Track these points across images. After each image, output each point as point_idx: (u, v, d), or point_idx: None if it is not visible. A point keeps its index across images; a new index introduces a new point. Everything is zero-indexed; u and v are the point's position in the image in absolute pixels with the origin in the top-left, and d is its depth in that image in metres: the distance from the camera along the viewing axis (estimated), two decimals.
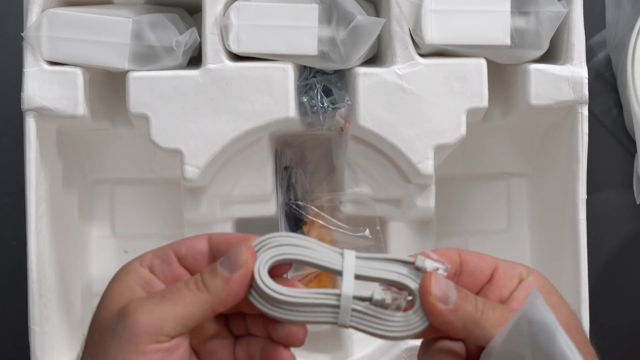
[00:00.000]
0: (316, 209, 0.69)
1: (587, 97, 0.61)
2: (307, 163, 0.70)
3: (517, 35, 0.60)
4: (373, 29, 0.59)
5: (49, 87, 0.60)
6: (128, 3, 0.63)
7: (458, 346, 0.40)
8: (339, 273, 0.40)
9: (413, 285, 0.40)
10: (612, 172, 0.76)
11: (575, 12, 0.61)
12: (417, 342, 0.64)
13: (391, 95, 0.60)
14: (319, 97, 0.62)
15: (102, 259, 0.71)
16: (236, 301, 0.39)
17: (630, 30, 0.71)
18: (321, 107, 0.62)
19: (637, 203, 0.71)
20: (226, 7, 0.61)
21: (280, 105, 0.60)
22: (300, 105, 0.62)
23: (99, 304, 0.40)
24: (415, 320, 0.40)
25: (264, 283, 0.39)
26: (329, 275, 0.71)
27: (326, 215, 0.69)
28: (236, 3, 0.60)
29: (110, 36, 0.59)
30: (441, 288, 0.39)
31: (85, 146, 0.70)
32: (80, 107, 0.61)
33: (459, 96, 0.61)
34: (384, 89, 0.60)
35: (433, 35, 0.60)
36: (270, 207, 0.67)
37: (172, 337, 0.37)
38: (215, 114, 0.60)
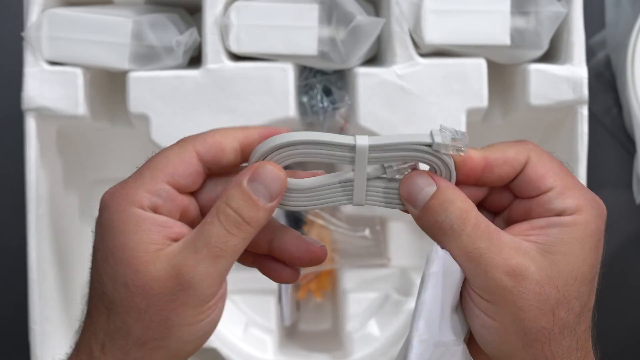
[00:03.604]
0: (316, 209, 0.69)
1: (586, 97, 0.61)
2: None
3: (517, 35, 0.60)
4: (373, 29, 0.59)
5: (49, 87, 0.60)
6: (128, 3, 0.63)
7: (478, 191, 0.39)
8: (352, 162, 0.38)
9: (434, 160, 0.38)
10: (611, 172, 0.76)
11: (575, 12, 0.61)
12: None
13: (391, 95, 0.60)
14: (319, 97, 0.62)
15: None
16: None
17: (630, 30, 0.71)
18: (321, 107, 0.62)
19: (637, 203, 0.71)
20: (226, 7, 0.61)
21: (280, 105, 0.60)
22: (300, 105, 0.62)
23: (120, 267, 0.36)
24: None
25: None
26: (328, 275, 0.71)
27: (326, 215, 0.69)
28: (236, 3, 0.60)
29: (110, 36, 0.59)
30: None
31: (85, 146, 0.70)
32: (80, 107, 0.61)
33: (459, 96, 0.61)
34: (384, 89, 0.60)
35: (433, 35, 0.60)
36: None
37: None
38: (215, 114, 0.60)
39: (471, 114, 0.61)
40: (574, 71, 0.61)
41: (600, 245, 0.38)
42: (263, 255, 0.41)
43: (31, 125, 0.60)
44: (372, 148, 0.38)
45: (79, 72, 0.60)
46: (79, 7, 0.61)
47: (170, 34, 0.60)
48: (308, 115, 0.63)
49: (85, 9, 0.61)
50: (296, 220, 0.69)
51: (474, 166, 0.38)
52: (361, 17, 0.59)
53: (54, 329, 0.63)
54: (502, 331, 0.36)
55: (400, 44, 0.61)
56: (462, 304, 0.38)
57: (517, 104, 0.63)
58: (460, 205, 0.37)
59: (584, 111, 0.61)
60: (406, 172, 0.39)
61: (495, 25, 0.60)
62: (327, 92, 0.63)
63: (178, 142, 0.39)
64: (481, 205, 0.40)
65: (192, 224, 0.38)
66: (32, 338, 0.60)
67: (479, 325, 0.37)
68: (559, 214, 0.37)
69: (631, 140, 0.74)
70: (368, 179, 0.39)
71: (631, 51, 0.70)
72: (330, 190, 0.39)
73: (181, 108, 0.60)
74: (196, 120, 0.60)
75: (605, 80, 0.76)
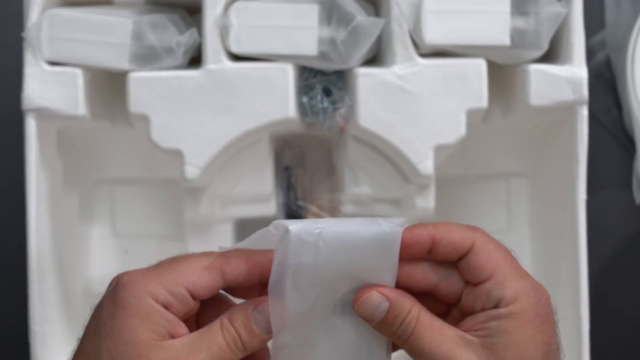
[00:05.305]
0: (316, 209, 0.69)
1: (586, 97, 0.61)
2: (307, 163, 0.70)
3: (517, 36, 0.60)
4: (373, 29, 0.59)
5: (49, 87, 0.60)
6: (128, 3, 0.63)
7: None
8: None
9: None
10: (611, 172, 0.76)
11: (575, 12, 0.61)
12: None
13: (391, 95, 0.60)
14: (319, 97, 0.62)
15: (102, 259, 0.71)
16: None
17: (630, 30, 0.72)
18: (321, 107, 0.62)
19: (637, 203, 0.71)
20: (226, 8, 0.61)
21: (280, 106, 0.60)
22: (300, 105, 0.62)
23: (123, 346, 0.39)
24: None
25: None
26: None
27: (326, 216, 0.69)
28: (236, 3, 0.60)
29: (110, 36, 0.59)
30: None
31: (85, 146, 0.70)
32: (80, 107, 0.61)
33: (458, 96, 0.61)
34: (384, 90, 0.60)
35: (433, 35, 0.60)
36: (270, 207, 0.67)
37: None
38: (215, 114, 0.60)
39: (471, 114, 0.61)
40: (574, 71, 0.61)
41: (546, 327, 0.40)
42: None
43: (31, 126, 0.60)
44: None
45: (79, 72, 0.61)
46: (79, 7, 0.61)
47: (171, 35, 0.60)
48: (308, 116, 0.63)
49: (85, 9, 0.61)
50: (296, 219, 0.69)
51: (422, 243, 0.40)
52: (361, 17, 0.59)
53: (54, 329, 0.63)
54: None
55: (400, 44, 0.61)
56: None
57: (517, 104, 0.63)
58: (412, 313, 0.40)
59: (584, 112, 0.61)
60: None
61: (495, 26, 0.60)
62: (327, 92, 0.63)
63: (206, 255, 0.42)
64: (435, 297, 0.42)
65: (187, 321, 0.42)
66: (32, 338, 0.60)
67: None
68: (497, 303, 0.39)
69: (631, 141, 0.74)
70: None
71: (631, 51, 0.70)
72: None
73: (181, 108, 0.60)
74: (196, 120, 0.60)
75: (605, 80, 0.76)
